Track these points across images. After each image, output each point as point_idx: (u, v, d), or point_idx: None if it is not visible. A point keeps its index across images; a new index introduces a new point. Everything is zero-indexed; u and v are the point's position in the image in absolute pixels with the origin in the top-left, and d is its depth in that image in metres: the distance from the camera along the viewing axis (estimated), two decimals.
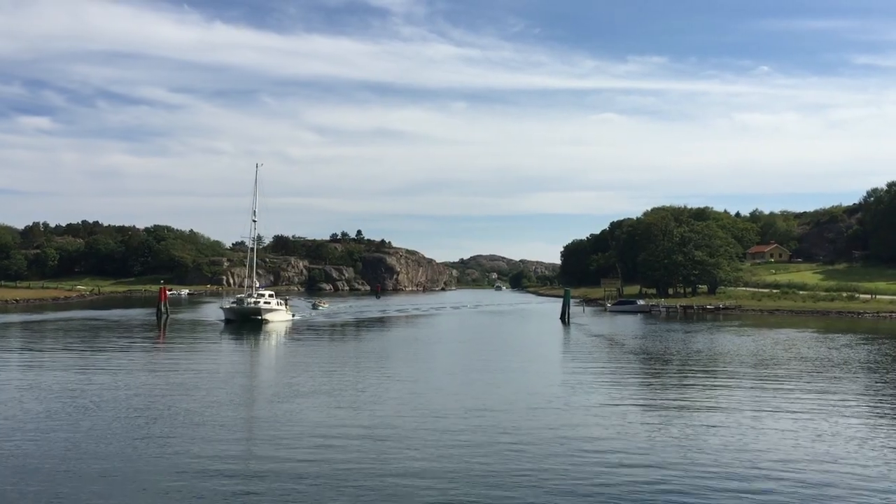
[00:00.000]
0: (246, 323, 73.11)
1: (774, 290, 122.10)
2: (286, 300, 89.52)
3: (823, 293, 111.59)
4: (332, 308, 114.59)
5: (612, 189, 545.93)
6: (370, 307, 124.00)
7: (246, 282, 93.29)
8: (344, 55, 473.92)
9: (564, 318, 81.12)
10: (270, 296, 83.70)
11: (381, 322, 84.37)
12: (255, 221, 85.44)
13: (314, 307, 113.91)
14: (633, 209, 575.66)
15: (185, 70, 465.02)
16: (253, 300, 78.87)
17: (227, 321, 75.65)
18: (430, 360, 44.20)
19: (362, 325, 79.04)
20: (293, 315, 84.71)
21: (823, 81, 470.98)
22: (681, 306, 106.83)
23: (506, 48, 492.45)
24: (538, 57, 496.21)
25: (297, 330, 68.31)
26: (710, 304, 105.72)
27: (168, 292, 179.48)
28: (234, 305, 79.19)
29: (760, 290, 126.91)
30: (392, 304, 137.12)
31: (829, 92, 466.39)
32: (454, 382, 33.74)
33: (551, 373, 37.09)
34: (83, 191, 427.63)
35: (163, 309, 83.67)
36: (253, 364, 42.19)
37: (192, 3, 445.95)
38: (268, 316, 75.48)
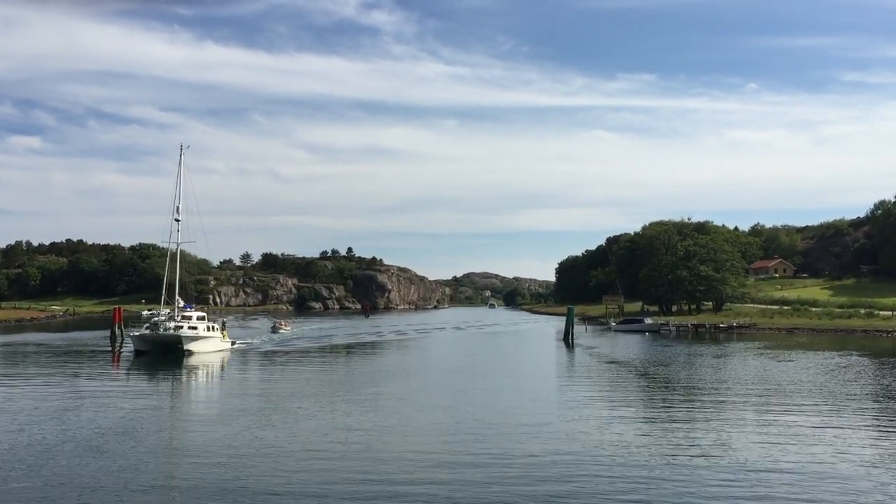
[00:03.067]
0: (167, 354, 57.20)
1: (785, 307, 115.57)
2: (223, 323, 71.89)
3: (838, 310, 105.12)
4: (295, 331, 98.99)
5: (603, 206, 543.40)
6: (341, 329, 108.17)
7: (162, 300, 70.60)
8: (335, 74, 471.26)
9: (568, 339, 73.80)
10: (200, 318, 65.03)
11: (351, 349, 69.62)
12: (177, 220, 66.62)
13: (274, 330, 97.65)
14: (626, 226, 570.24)
15: (177, 89, 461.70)
16: (173, 325, 61.26)
17: (139, 352, 58.45)
18: (409, 401, 33.42)
19: (326, 353, 64.52)
20: (233, 343, 68.14)
21: (812, 98, 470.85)
22: (692, 325, 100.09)
23: (496, 66, 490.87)
24: (528, 75, 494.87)
25: (232, 364, 53.72)
26: (722, 323, 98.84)
27: (147, 312, 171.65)
28: (147, 332, 61.11)
29: (769, 306, 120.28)
30: (375, 326, 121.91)
31: (817, 109, 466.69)
32: (442, 442, 23.92)
33: (574, 427, 26.50)
34: (74, 210, 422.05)
35: (117, 332, 70.94)
36: (132, 425, 27.12)
37: (182, 22, 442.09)
38: (192, 345, 58.77)
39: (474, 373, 46.61)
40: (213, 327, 65.11)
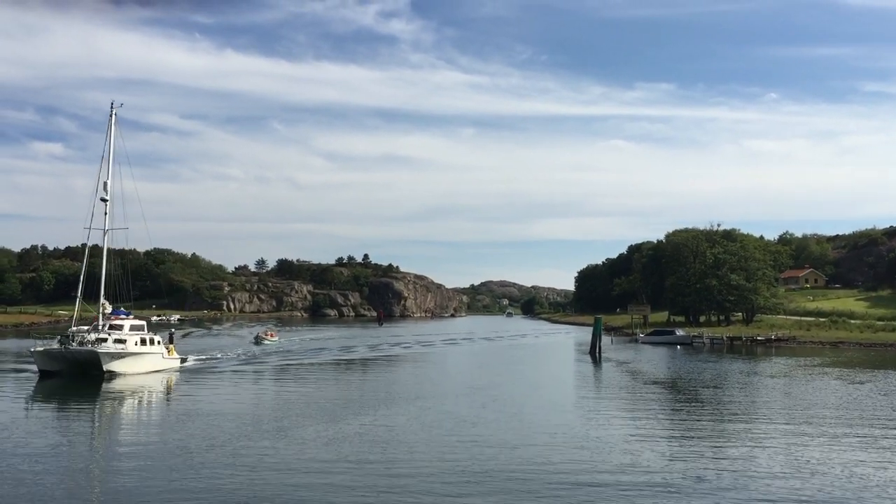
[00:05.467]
0: (81, 376, 45.53)
1: (821, 319, 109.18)
2: (170, 335, 59.05)
3: (879, 323, 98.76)
4: (283, 342, 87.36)
5: (621, 215, 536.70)
6: (341, 340, 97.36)
7: (77, 304, 55.63)
8: (353, 82, 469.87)
9: (595, 352, 68.21)
10: (134, 328, 51.54)
11: (337, 366, 58.86)
12: (105, 201, 53.42)
13: (257, 341, 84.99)
14: (644, 235, 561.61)
15: (197, 97, 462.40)
16: (93, 337, 48.25)
17: (44, 373, 46.33)
18: (399, 435, 26.52)
19: (302, 373, 52.73)
20: (183, 360, 55.94)
21: (833, 108, 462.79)
22: (727, 337, 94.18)
23: (514, 75, 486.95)
24: (546, 83, 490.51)
25: (169, 390, 42.77)
26: (759, 335, 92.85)
27: (155, 318, 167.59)
28: (57, 346, 47.60)
29: (803, 318, 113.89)
30: (376, 336, 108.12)
31: (838, 119, 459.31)
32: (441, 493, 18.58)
33: (629, 484, 19.91)
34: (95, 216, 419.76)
35: None
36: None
37: (203, 30, 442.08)
38: (115, 365, 46.53)
39: (491, 396, 38.48)
40: (152, 340, 52.22)
